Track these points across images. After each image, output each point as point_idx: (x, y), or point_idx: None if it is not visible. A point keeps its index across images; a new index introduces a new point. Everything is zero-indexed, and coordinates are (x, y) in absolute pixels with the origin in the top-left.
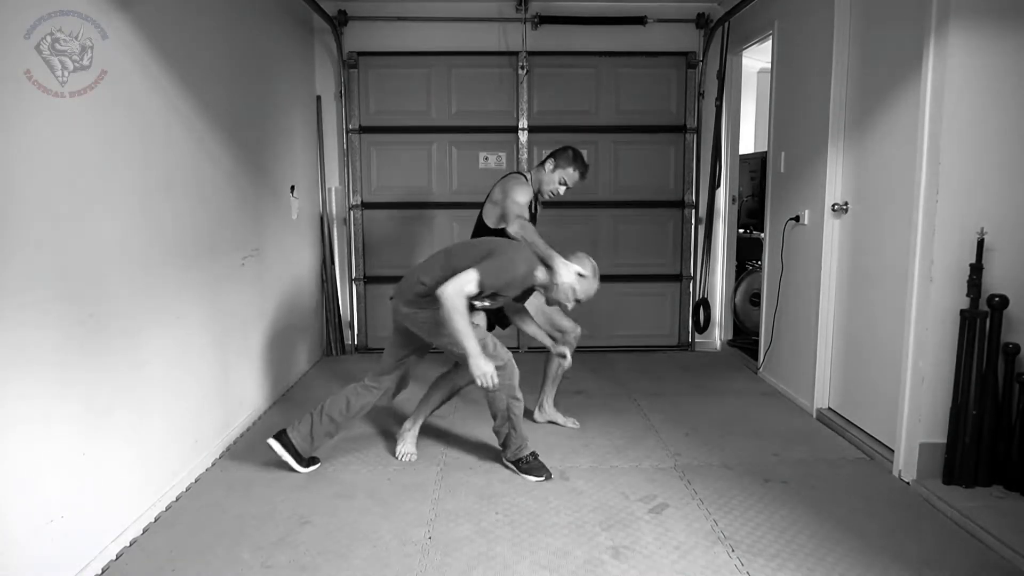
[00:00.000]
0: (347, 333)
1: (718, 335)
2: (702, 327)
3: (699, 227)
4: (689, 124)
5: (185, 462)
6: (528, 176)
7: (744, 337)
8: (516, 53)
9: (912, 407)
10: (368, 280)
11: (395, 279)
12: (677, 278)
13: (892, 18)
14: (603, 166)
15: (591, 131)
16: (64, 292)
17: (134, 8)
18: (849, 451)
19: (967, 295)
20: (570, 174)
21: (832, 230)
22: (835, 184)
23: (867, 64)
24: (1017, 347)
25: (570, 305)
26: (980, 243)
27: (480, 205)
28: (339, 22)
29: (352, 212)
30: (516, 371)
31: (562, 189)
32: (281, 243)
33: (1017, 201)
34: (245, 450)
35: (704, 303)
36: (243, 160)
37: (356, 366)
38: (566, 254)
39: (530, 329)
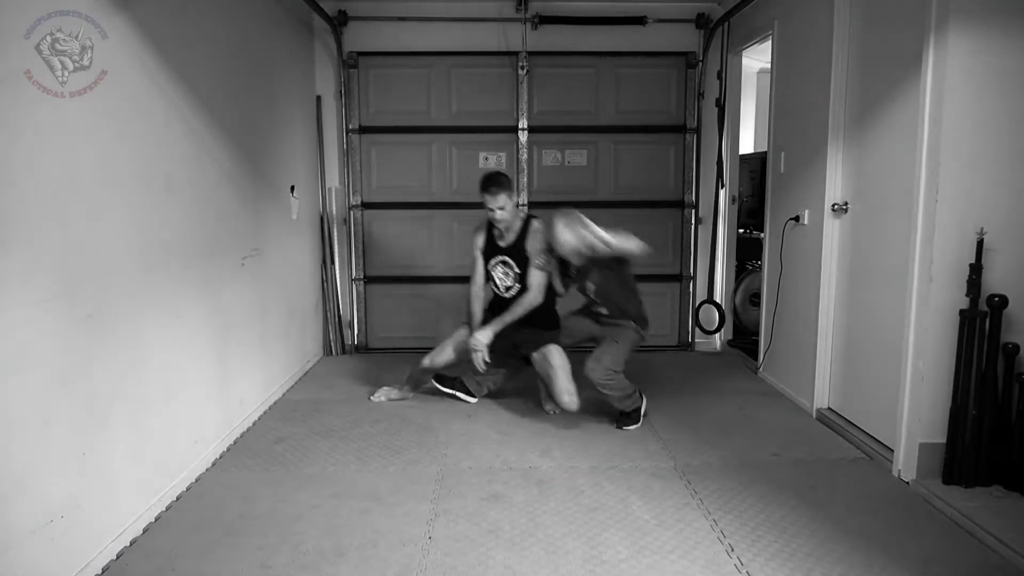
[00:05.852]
0: (347, 333)
1: (718, 335)
2: (715, 328)
3: (699, 227)
4: (689, 124)
5: (185, 462)
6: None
7: (744, 337)
8: (516, 53)
9: (912, 407)
10: (368, 280)
11: (395, 279)
12: (677, 278)
13: (892, 18)
14: (603, 166)
15: (591, 131)
16: (64, 292)
17: (134, 8)
18: (849, 451)
19: (967, 295)
20: (486, 199)
21: (832, 230)
22: (835, 184)
23: (867, 64)
24: (1017, 347)
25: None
26: (980, 243)
27: (479, 206)
28: (339, 22)
29: (352, 212)
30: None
31: (497, 214)
32: (281, 243)
33: (1017, 201)
34: (245, 450)
35: (716, 305)
36: (243, 160)
37: (357, 366)
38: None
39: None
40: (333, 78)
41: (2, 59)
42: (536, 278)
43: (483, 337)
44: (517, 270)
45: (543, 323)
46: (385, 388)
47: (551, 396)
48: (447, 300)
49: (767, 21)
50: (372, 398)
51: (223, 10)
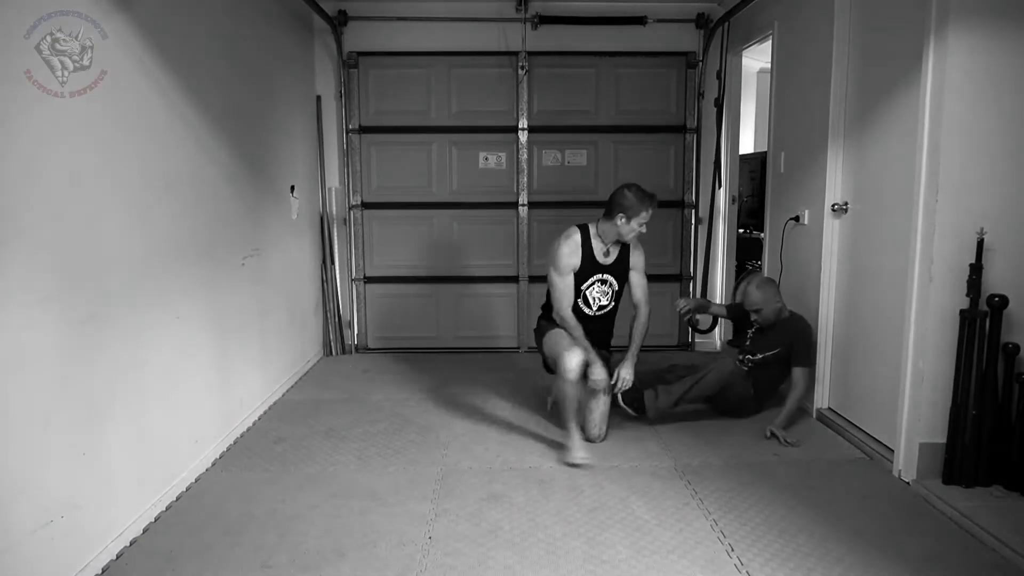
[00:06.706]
0: (347, 333)
1: (718, 335)
2: (708, 327)
3: (699, 227)
4: (689, 124)
5: (185, 462)
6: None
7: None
8: (516, 53)
9: (912, 407)
10: (368, 280)
11: (395, 279)
12: (677, 278)
13: (892, 18)
14: (603, 166)
15: (591, 131)
16: (64, 292)
17: (134, 8)
18: (849, 451)
19: (967, 295)
20: (643, 215)
21: (832, 230)
22: (835, 184)
23: (867, 64)
24: (1017, 347)
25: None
26: (980, 243)
27: (478, 205)
28: (339, 22)
29: (352, 212)
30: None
31: (644, 229)
32: (281, 243)
33: (1017, 201)
34: (245, 450)
35: None
36: (243, 160)
37: (356, 366)
38: None
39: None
40: (333, 78)
41: (2, 59)
42: (645, 293)
43: (628, 375)
44: (616, 287)
45: (608, 341)
46: (579, 442)
47: (555, 395)
48: (447, 300)
49: (767, 21)
50: (581, 464)
51: (223, 10)
